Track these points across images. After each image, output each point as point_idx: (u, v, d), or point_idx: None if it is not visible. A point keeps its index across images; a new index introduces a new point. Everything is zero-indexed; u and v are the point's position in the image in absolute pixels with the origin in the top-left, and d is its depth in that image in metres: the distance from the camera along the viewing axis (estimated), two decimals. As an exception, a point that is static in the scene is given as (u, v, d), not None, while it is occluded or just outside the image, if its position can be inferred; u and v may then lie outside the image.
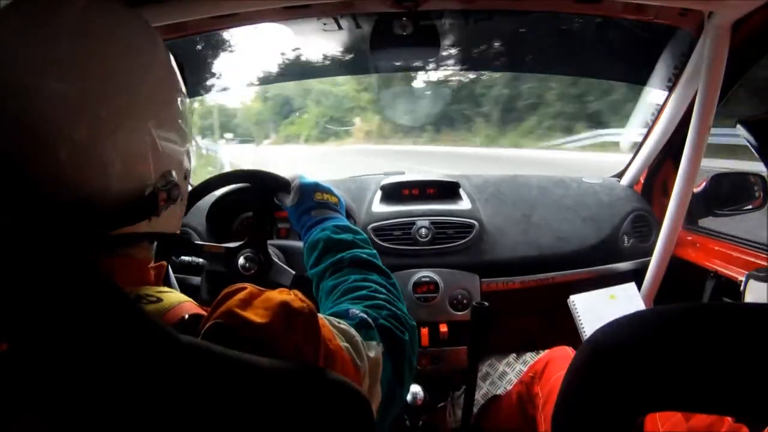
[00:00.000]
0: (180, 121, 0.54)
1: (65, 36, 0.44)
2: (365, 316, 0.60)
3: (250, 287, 0.48)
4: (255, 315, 0.44)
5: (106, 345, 0.35)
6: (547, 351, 1.16)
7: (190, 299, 0.49)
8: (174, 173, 0.51)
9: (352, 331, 0.55)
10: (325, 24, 1.19)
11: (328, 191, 0.87)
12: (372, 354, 0.55)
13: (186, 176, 0.56)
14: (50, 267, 0.35)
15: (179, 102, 0.54)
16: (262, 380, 0.39)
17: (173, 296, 0.48)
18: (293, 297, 0.47)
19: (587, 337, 1.15)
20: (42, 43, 0.43)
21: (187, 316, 0.45)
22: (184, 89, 0.56)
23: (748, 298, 0.67)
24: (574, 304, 1.15)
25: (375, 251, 0.77)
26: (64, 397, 0.35)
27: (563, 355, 1.10)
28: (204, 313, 0.47)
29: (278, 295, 0.47)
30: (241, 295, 0.46)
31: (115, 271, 0.48)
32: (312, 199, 0.84)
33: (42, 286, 0.34)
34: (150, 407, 0.36)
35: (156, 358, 0.36)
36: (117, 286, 0.37)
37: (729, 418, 0.59)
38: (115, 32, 0.48)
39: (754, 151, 0.53)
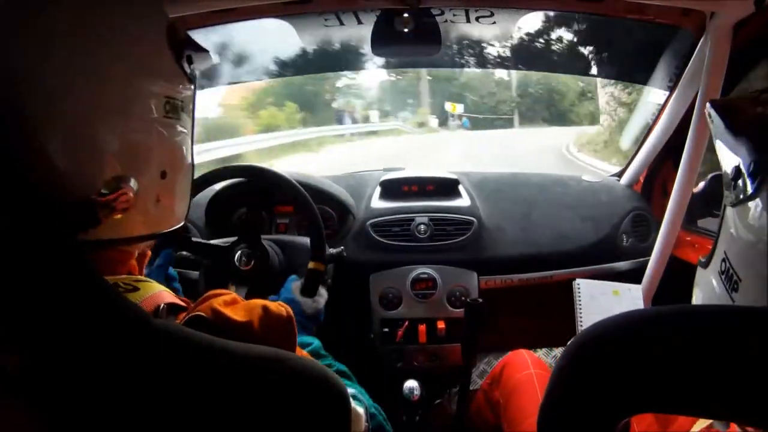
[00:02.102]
0: (161, 107, 0.49)
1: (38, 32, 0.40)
2: (361, 398, 0.65)
3: (234, 294, 0.50)
4: (236, 314, 0.46)
5: (78, 324, 0.36)
6: (504, 356, 1.16)
7: (167, 289, 0.50)
8: (127, 179, 0.45)
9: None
10: (326, 20, 1.18)
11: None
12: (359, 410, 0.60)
13: (165, 174, 0.51)
14: (22, 252, 0.35)
15: (166, 85, 0.49)
16: (234, 363, 0.40)
17: (150, 285, 0.48)
18: (273, 303, 0.50)
19: (582, 323, 1.15)
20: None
21: (163, 305, 0.46)
22: (180, 72, 0.51)
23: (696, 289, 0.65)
24: (579, 287, 1.14)
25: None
26: (41, 379, 0.36)
27: (520, 359, 1.10)
28: (181, 303, 0.48)
29: (259, 301, 0.50)
30: (225, 297, 0.49)
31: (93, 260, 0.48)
32: (311, 330, 0.96)
33: (14, 269, 0.35)
34: (120, 387, 0.36)
35: (127, 339, 0.37)
36: (91, 268, 0.38)
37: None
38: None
39: (726, 132, 0.51)
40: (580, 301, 1.14)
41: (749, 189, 0.44)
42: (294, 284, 0.98)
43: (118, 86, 0.45)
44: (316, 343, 0.83)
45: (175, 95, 0.51)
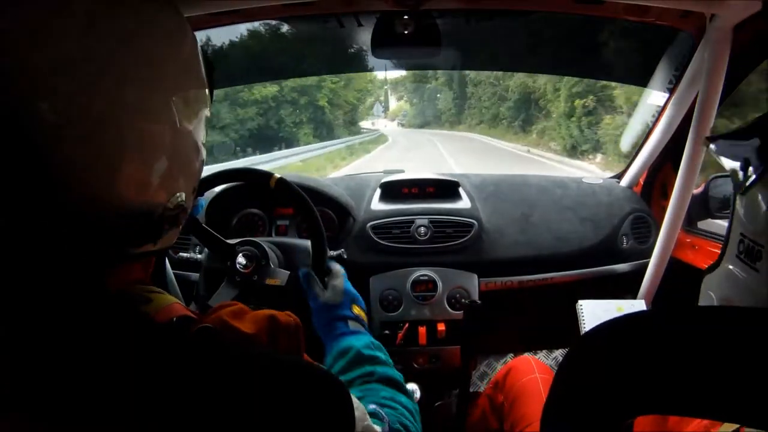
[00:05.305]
0: (200, 123, 0.49)
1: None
2: (384, 414, 0.61)
3: (241, 305, 0.51)
4: (243, 326, 0.47)
5: (100, 339, 0.37)
6: (508, 361, 1.16)
7: (179, 301, 0.50)
8: (181, 195, 0.47)
9: (363, 409, 0.54)
10: (326, 22, 1.19)
11: (362, 307, 0.88)
12: (376, 428, 0.56)
13: (194, 189, 0.52)
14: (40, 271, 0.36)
15: (203, 101, 0.50)
16: (238, 367, 0.40)
17: (163, 297, 0.49)
18: (281, 313, 0.50)
19: None
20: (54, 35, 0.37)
21: (175, 319, 0.47)
22: (208, 92, 0.51)
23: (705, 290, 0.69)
24: (582, 308, 1.14)
25: (401, 374, 0.77)
26: (48, 389, 0.36)
27: (524, 364, 1.10)
28: (193, 315, 0.49)
29: (266, 311, 0.50)
30: (232, 308, 0.49)
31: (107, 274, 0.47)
32: (350, 309, 0.85)
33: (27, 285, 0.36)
34: (125, 387, 0.37)
35: (146, 349, 0.38)
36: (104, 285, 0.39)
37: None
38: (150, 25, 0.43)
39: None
40: (584, 321, 1.13)
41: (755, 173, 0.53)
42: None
43: (181, 105, 0.45)
44: (355, 343, 0.77)
45: (207, 109, 0.52)
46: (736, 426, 0.47)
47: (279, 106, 14.50)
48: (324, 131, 16.68)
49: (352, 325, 0.83)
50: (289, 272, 1.04)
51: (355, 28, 1.18)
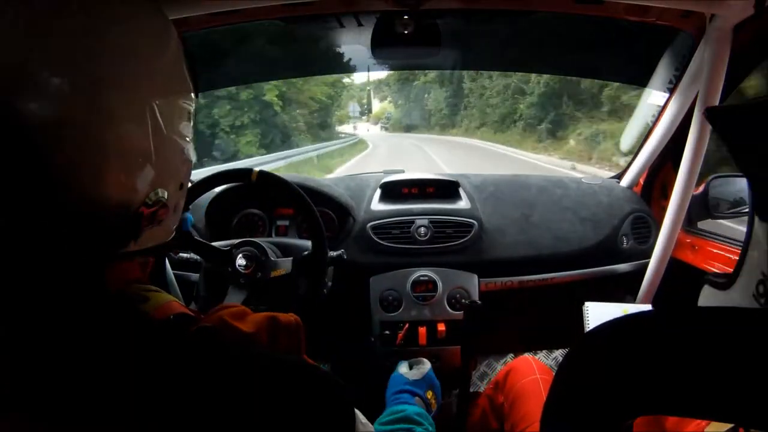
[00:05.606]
0: (184, 122, 0.49)
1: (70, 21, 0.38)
2: None
3: (243, 307, 0.51)
4: (243, 325, 0.47)
5: (98, 337, 0.37)
6: (509, 362, 1.16)
7: (176, 299, 0.51)
8: (162, 192, 0.46)
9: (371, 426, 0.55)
10: (326, 22, 1.19)
11: (438, 398, 0.95)
12: None
13: (182, 186, 0.51)
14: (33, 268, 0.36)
15: (186, 100, 0.49)
16: (237, 366, 0.40)
17: (160, 295, 0.49)
18: (282, 314, 0.51)
19: None
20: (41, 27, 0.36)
21: (172, 316, 0.47)
22: (192, 87, 0.51)
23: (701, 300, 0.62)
24: (587, 310, 1.14)
25: None
26: (50, 391, 0.36)
27: (525, 365, 1.10)
28: (190, 313, 0.49)
29: (267, 314, 0.50)
30: (233, 310, 0.50)
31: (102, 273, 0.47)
32: (424, 391, 0.92)
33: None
34: (122, 381, 0.37)
35: (144, 349, 0.38)
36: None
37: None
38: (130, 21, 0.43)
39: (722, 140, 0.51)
40: (589, 323, 1.13)
41: None
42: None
43: (163, 105, 0.45)
44: (409, 409, 0.81)
45: (192, 108, 0.51)
46: (729, 426, 0.46)
47: (212, 104, 10.84)
48: (277, 138, 12.64)
49: (418, 401, 0.88)
50: (291, 258, 1.05)
51: (355, 28, 1.18)
